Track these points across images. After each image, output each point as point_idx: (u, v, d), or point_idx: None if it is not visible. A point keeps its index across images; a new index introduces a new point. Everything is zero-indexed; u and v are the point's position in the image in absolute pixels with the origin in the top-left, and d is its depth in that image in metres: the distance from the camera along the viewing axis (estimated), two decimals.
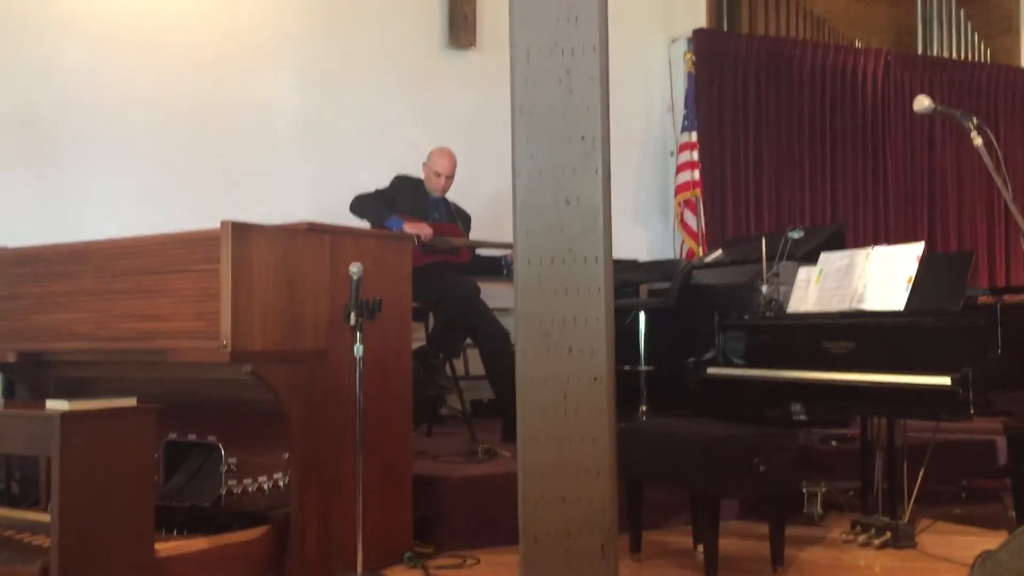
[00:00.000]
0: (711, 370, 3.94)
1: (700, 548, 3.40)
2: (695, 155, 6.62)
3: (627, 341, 4.87)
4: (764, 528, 3.37)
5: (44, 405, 2.67)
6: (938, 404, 3.05)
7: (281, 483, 3.17)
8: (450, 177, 4.94)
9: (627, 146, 6.59)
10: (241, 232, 2.92)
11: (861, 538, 3.56)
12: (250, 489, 3.22)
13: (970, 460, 4.45)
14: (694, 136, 6.65)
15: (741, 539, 3.72)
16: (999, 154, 2.98)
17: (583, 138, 1.96)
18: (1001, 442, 4.26)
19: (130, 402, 2.74)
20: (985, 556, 2.29)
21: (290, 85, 5.89)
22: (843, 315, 3.50)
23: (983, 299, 3.24)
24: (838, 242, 4.71)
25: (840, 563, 3.38)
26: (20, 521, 2.88)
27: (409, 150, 5.14)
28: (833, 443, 4.47)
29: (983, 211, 7.70)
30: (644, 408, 4.82)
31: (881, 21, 8.24)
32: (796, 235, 4.15)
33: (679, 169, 6.68)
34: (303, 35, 5.92)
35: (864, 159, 7.33)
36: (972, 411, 2.96)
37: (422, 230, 4.60)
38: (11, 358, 3.46)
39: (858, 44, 7.68)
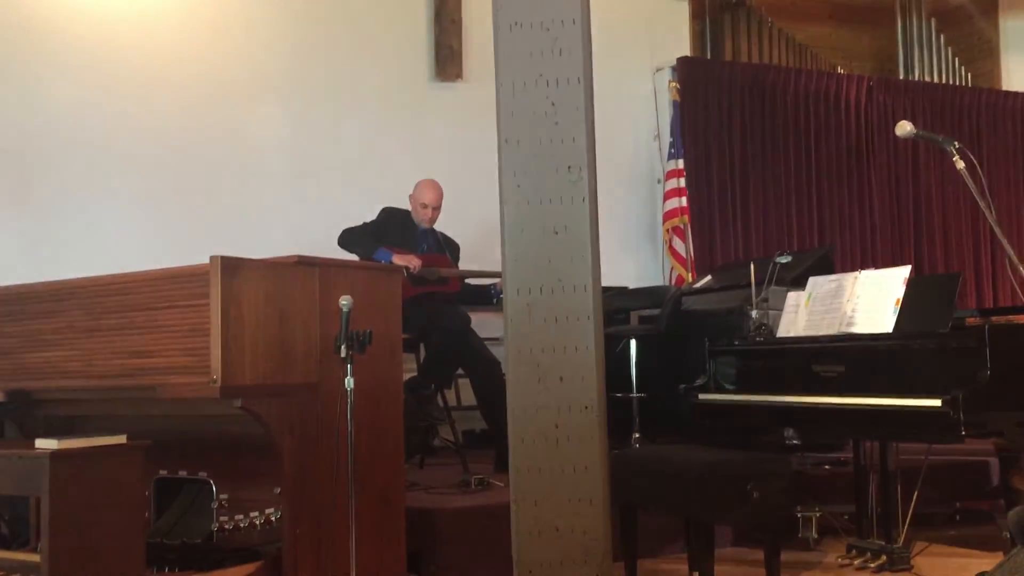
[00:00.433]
0: (702, 396, 3.94)
1: (696, 575, 3.38)
2: (682, 182, 6.66)
3: (618, 368, 4.86)
4: (759, 554, 3.35)
5: (33, 444, 2.66)
6: (929, 426, 3.05)
7: (273, 518, 3.15)
8: (437, 208, 4.95)
9: (614, 174, 6.62)
10: (230, 267, 2.91)
11: (857, 562, 3.55)
12: (242, 525, 3.19)
13: (963, 482, 4.45)
14: (681, 163, 6.69)
15: (736, 565, 3.70)
16: (982, 177, 3.01)
17: (569, 168, 1.98)
18: (994, 463, 4.26)
19: (120, 439, 2.72)
20: None
21: (277, 119, 5.91)
22: (833, 339, 3.51)
23: (971, 320, 3.26)
24: (826, 266, 4.73)
25: None
26: (10, 562, 2.85)
27: (397, 182, 5.15)
28: (826, 467, 4.46)
29: (969, 233, 7.75)
30: (637, 435, 4.81)
31: (863, 47, 8.34)
32: (784, 260, 4.16)
33: (666, 196, 6.71)
34: (290, 70, 5.95)
35: (849, 183, 7.39)
36: (963, 432, 2.97)
37: (411, 262, 4.60)
38: (0, 397, 3.44)
39: (840, 70, 7.77)
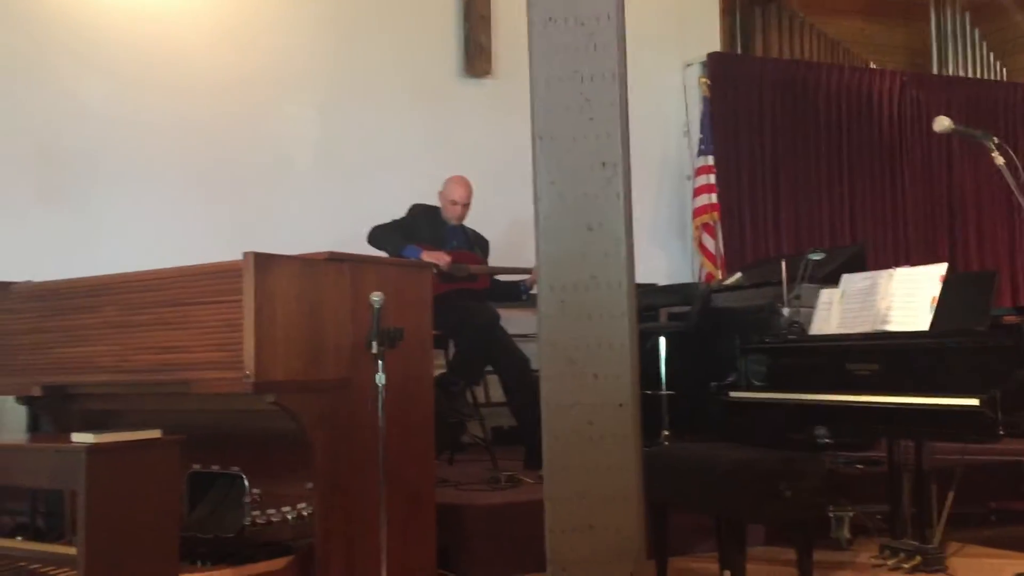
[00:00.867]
0: (734, 394, 3.91)
1: (727, 574, 3.36)
2: (712, 178, 6.62)
3: (648, 366, 4.83)
4: (791, 553, 3.33)
5: (69, 438, 2.68)
6: (966, 425, 3.01)
7: (305, 513, 3.16)
8: (466, 205, 4.95)
9: (643, 171, 6.54)
10: (263, 263, 2.93)
11: (891, 562, 3.51)
12: (274, 519, 3.21)
13: (999, 482, 4.38)
14: (711, 159, 6.65)
15: (768, 565, 3.68)
16: (1021, 172, 2.96)
17: (604, 164, 1.97)
18: None
19: (155, 434, 2.75)
20: None
21: (308, 116, 5.93)
22: (867, 337, 3.47)
23: (1008, 319, 3.21)
24: (859, 262, 4.68)
25: None
26: (46, 555, 2.88)
27: (426, 179, 5.16)
28: (859, 466, 4.42)
29: (1004, 229, 7.65)
30: (666, 433, 4.79)
31: (896, 42, 8.24)
32: (817, 256, 4.13)
33: (696, 192, 6.67)
34: (320, 67, 5.98)
35: (882, 179, 7.31)
36: (1001, 432, 2.93)
37: (440, 259, 4.61)
38: (36, 392, 3.48)
39: (873, 65, 7.68)
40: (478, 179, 5.15)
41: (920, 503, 3.52)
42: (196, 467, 3.39)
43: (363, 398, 3.11)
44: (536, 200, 2.00)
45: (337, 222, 5.56)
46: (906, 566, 3.47)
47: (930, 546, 3.49)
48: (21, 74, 5.32)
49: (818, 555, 3.36)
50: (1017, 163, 2.99)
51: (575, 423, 1.92)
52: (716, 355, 4.51)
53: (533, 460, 4.45)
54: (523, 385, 4.57)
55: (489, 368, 4.93)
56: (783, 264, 4.21)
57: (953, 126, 3.14)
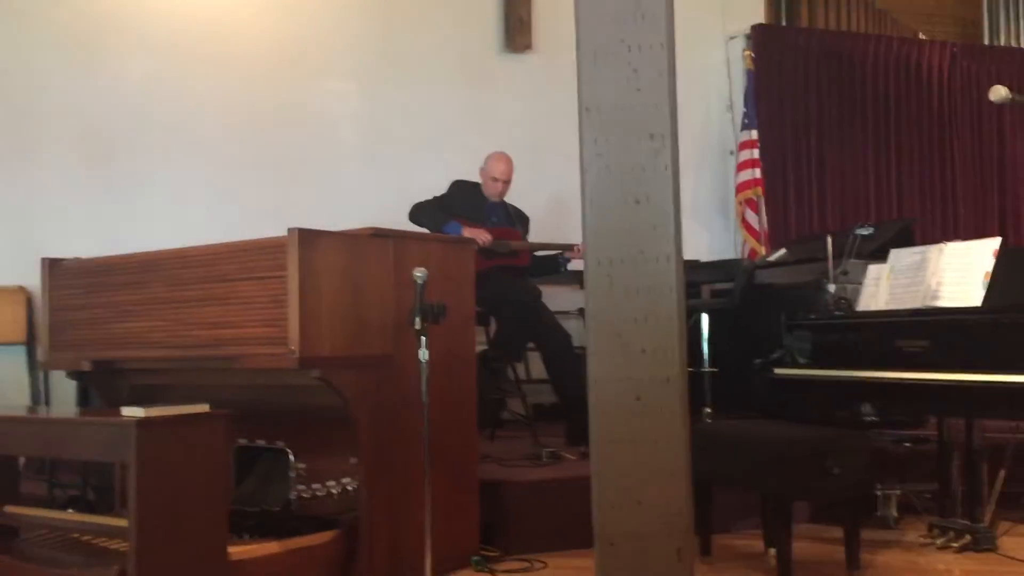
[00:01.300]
0: (779, 370, 3.87)
1: (771, 551, 3.34)
2: (755, 153, 6.53)
3: (690, 342, 4.79)
4: (837, 531, 3.30)
5: (119, 412, 2.72)
6: (1020, 403, 2.95)
7: (349, 488, 3.19)
8: (507, 182, 4.93)
9: (686, 145, 6.39)
10: (308, 239, 2.94)
11: (939, 541, 3.47)
12: (319, 494, 3.25)
13: None
14: (754, 134, 6.55)
15: (813, 542, 3.65)
16: None
17: (652, 136, 1.94)
18: None
19: (203, 408, 2.78)
20: None
21: (349, 93, 5.94)
22: (917, 312, 3.41)
23: None
24: (907, 238, 4.60)
25: (918, 566, 3.30)
26: (97, 526, 2.94)
27: (467, 155, 5.14)
28: (907, 444, 4.36)
29: None
30: (708, 410, 4.76)
31: (945, 11, 8.04)
32: (865, 231, 4.05)
33: (739, 168, 6.59)
34: (361, 43, 5.97)
35: (931, 153, 7.17)
36: None
37: (481, 236, 4.59)
38: (86, 367, 3.53)
39: (922, 36, 7.50)
40: (518, 155, 5.13)
41: (970, 482, 3.47)
42: (242, 441, 3.43)
43: (406, 374, 3.12)
44: (583, 173, 1.97)
45: (380, 198, 5.57)
46: (955, 545, 3.42)
47: (980, 525, 3.44)
48: (68, 53, 5.39)
49: (865, 533, 3.33)
50: None
51: (622, 398, 1.90)
52: (759, 332, 4.46)
53: (575, 436, 4.44)
54: (565, 361, 4.56)
55: (530, 345, 4.92)
56: (829, 240, 4.14)
57: (1011, 95, 3.05)
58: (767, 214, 6.54)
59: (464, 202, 4.86)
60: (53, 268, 3.67)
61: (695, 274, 5.56)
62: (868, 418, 4.47)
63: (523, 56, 6.29)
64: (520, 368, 5.10)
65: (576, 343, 4.71)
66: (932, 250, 3.53)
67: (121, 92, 5.46)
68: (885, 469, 3.95)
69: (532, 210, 5.22)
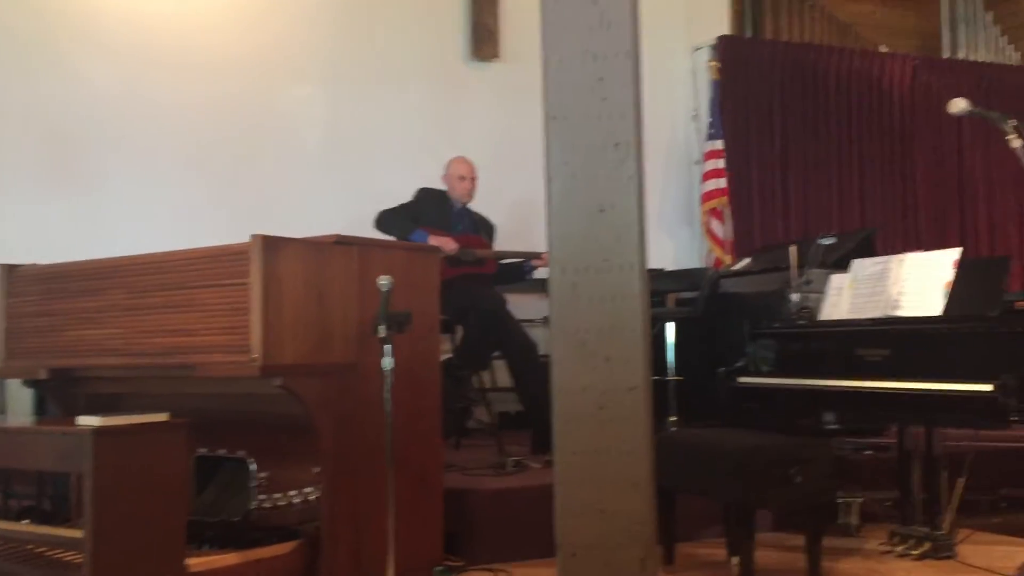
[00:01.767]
0: (742, 379, 3.89)
1: (734, 560, 3.34)
2: (721, 163, 6.58)
3: (655, 351, 4.79)
4: (799, 539, 3.32)
5: (75, 421, 2.67)
6: (978, 411, 2.99)
7: (311, 497, 3.15)
8: (473, 179, 4.94)
9: (651, 155, 6.44)
10: (271, 245, 2.91)
11: (899, 548, 3.50)
12: (280, 504, 3.21)
13: (1010, 468, 4.36)
14: (720, 144, 6.60)
15: (776, 551, 3.67)
16: None
17: (617, 145, 1.94)
18: None
19: (162, 417, 2.74)
20: None
21: (316, 99, 5.91)
22: (878, 322, 3.44)
23: (1020, 304, 3.18)
24: (869, 248, 4.65)
25: (878, 573, 3.33)
26: (53, 537, 2.87)
27: (434, 162, 5.13)
28: (868, 452, 4.40)
29: (1015, 215, 7.60)
30: (673, 419, 4.77)
31: (907, 25, 8.16)
32: (827, 241, 4.09)
33: (705, 177, 6.63)
34: (328, 49, 5.94)
35: (892, 164, 7.26)
36: (1013, 418, 2.90)
37: (447, 244, 4.58)
38: (42, 375, 3.47)
39: (884, 49, 7.61)
40: (485, 163, 5.13)
41: (930, 489, 3.50)
42: (203, 451, 3.38)
43: (370, 382, 3.09)
44: (547, 181, 1.97)
45: (344, 205, 5.54)
46: (915, 552, 3.45)
47: (940, 532, 3.47)
48: (29, 57, 5.31)
49: (827, 541, 3.35)
50: None
51: (586, 407, 1.90)
52: (724, 341, 4.49)
53: (540, 444, 4.44)
54: (531, 370, 4.55)
55: (496, 353, 4.91)
56: (792, 249, 4.18)
57: (969, 108, 3.09)
58: (732, 223, 6.58)
59: (430, 210, 4.84)
60: (9, 274, 3.60)
61: (660, 283, 5.59)
62: (831, 426, 4.51)
63: (490, 64, 6.30)
64: (486, 376, 5.08)
65: (542, 351, 4.71)
66: (893, 260, 3.57)
67: (82, 97, 5.38)
68: (847, 477, 3.98)
69: (498, 218, 5.22)
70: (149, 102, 5.50)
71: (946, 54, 7.94)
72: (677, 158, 6.92)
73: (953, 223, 7.41)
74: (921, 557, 3.43)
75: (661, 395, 4.78)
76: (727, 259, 6.35)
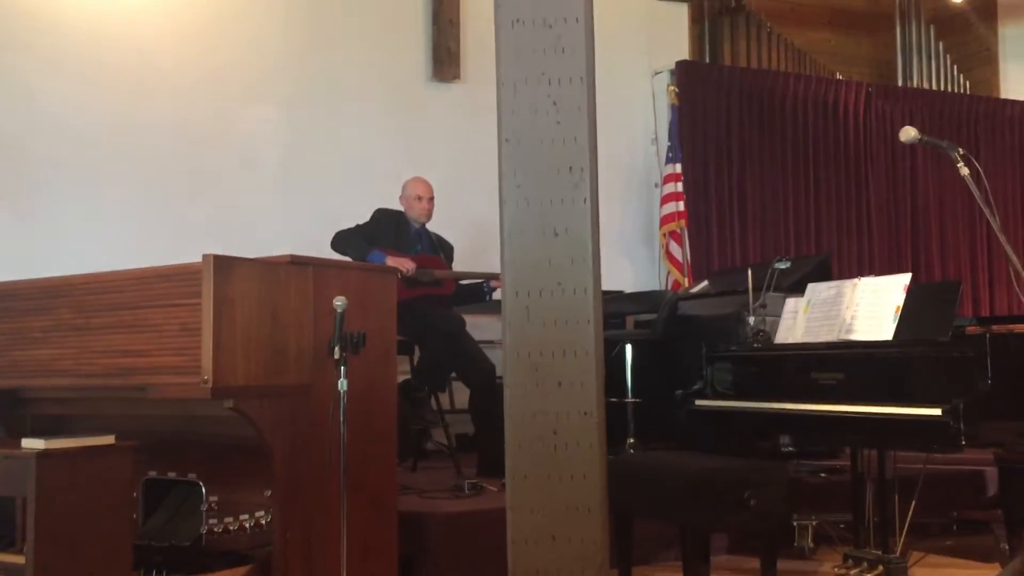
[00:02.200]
0: (699, 402, 3.90)
1: None
2: (679, 186, 6.63)
3: (613, 373, 4.82)
4: (755, 562, 3.32)
5: (20, 444, 2.61)
6: (929, 435, 3.02)
7: (263, 521, 3.10)
8: (431, 199, 4.92)
9: (611, 178, 6.58)
10: (223, 265, 2.87)
11: (853, 572, 3.51)
12: (231, 528, 3.15)
13: (961, 491, 4.42)
14: (678, 167, 6.66)
15: (732, 573, 3.67)
16: (985, 183, 2.98)
17: (571, 169, 1.94)
18: (991, 472, 4.23)
19: (108, 440, 2.68)
20: None
21: (274, 118, 5.86)
22: (831, 346, 3.47)
23: (971, 329, 3.22)
24: (825, 272, 4.69)
25: None
26: None
27: (394, 183, 5.11)
28: (823, 475, 4.43)
29: (966, 240, 7.74)
30: (632, 441, 4.77)
31: (861, 53, 8.32)
32: (783, 265, 4.13)
33: (664, 200, 6.68)
34: (287, 68, 5.91)
35: (847, 189, 7.37)
36: (963, 442, 2.93)
37: (404, 265, 4.56)
38: None
39: (839, 76, 7.74)
40: (445, 184, 5.12)
41: (883, 512, 3.53)
42: (152, 474, 3.32)
43: (324, 404, 3.05)
44: (501, 204, 1.97)
45: (302, 225, 5.50)
46: (869, 575, 3.47)
47: (892, 555, 3.49)
48: None
49: (781, 564, 3.36)
50: (981, 174, 3.01)
51: (539, 431, 1.89)
52: (682, 363, 4.50)
53: (488, 467, 4.43)
54: (488, 392, 4.53)
55: (454, 375, 4.89)
56: (749, 272, 4.21)
57: (919, 136, 3.15)
58: (690, 246, 6.63)
59: (387, 230, 4.82)
60: None
61: (619, 305, 5.61)
62: (787, 449, 4.54)
63: (451, 86, 6.31)
64: (444, 398, 5.06)
65: (500, 373, 4.69)
66: (847, 284, 3.61)
67: (37, 114, 5.29)
68: (802, 499, 4.00)
69: (457, 239, 5.21)
70: (102, 119, 5.42)
71: (900, 82, 8.10)
72: (637, 181, 6.97)
73: (906, 245, 7.53)
74: None
75: (619, 417, 4.78)
76: (685, 281, 6.39)
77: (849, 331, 3.46)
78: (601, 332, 1.95)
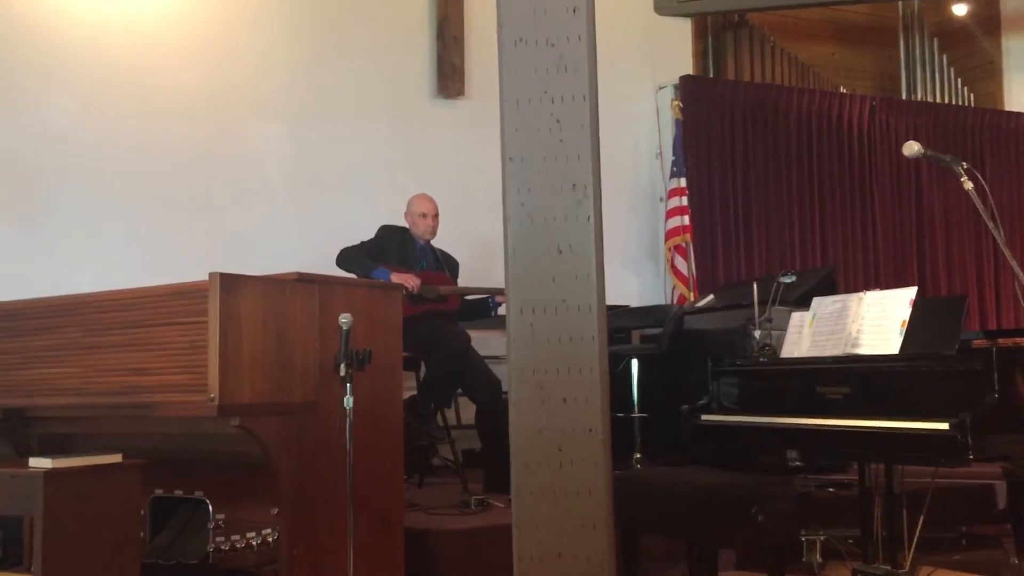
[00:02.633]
0: (705, 417, 3.89)
1: None
2: (684, 201, 6.64)
3: (620, 388, 4.81)
4: None
5: (27, 463, 2.62)
6: (936, 449, 3.01)
7: (270, 539, 3.10)
8: (435, 216, 4.93)
9: (616, 192, 6.61)
10: (230, 283, 2.89)
11: None
12: (238, 546, 3.15)
13: (969, 505, 4.40)
14: (683, 182, 6.67)
15: None
16: (989, 197, 2.98)
17: (574, 186, 1.95)
18: (1000, 486, 4.21)
19: (115, 458, 2.69)
20: None
21: (279, 135, 5.89)
22: (837, 360, 3.47)
23: (977, 343, 3.22)
24: (830, 285, 4.70)
25: None
26: None
27: (399, 199, 5.13)
28: (831, 490, 4.41)
29: (972, 253, 7.72)
30: (638, 456, 4.76)
31: (865, 67, 8.34)
32: (788, 279, 4.13)
33: (668, 215, 6.69)
34: (293, 84, 5.94)
35: (852, 203, 7.37)
36: (971, 456, 2.92)
37: (409, 281, 4.56)
38: None
39: (843, 90, 7.76)
40: (450, 200, 5.13)
41: (891, 527, 3.51)
42: (159, 492, 3.32)
43: (331, 421, 3.06)
44: (505, 222, 1.97)
45: (308, 243, 5.51)
46: None
47: (901, 571, 3.47)
48: None
49: None
50: (985, 188, 3.01)
51: (544, 448, 1.89)
52: (688, 377, 4.50)
53: (494, 483, 4.42)
54: (494, 408, 4.53)
55: (460, 391, 4.89)
56: (755, 286, 4.21)
57: (923, 151, 3.15)
58: (695, 260, 6.64)
59: (392, 247, 4.83)
60: None
61: (625, 319, 5.61)
62: (794, 463, 4.53)
63: (455, 102, 6.33)
64: (451, 414, 5.06)
65: (505, 388, 4.69)
66: (852, 298, 3.60)
67: (42, 132, 5.32)
68: (809, 514, 3.98)
69: (462, 254, 5.22)
70: (109, 139, 5.45)
71: (904, 95, 8.11)
72: (642, 195, 6.98)
73: (912, 260, 7.52)
74: None
75: (626, 432, 4.78)
76: (691, 296, 6.39)
77: (855, 345, 3.46)
78: (606, 348, 1.96)
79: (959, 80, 8.24)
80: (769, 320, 4.09)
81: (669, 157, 6.82)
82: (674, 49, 7.10)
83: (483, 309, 5.04)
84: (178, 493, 3.30)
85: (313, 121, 5.96)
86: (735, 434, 3.78)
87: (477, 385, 4.69)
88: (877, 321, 3.42)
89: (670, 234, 6.64)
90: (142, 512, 3.18)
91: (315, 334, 3.11)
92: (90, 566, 2.53)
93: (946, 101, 8.13)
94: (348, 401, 2.93)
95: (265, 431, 2.94)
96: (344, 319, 2.96)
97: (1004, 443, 3.03)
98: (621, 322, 5.47)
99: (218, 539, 3.17)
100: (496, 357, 5.19)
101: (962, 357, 3.10)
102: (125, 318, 3.12)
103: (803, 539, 3.85)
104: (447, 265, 5.03)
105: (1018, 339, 3.16)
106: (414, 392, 4.69)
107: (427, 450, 4.94)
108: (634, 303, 6.33)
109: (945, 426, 2.94)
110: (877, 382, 3.30)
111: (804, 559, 3.84)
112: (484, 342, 5.05)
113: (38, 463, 2.55)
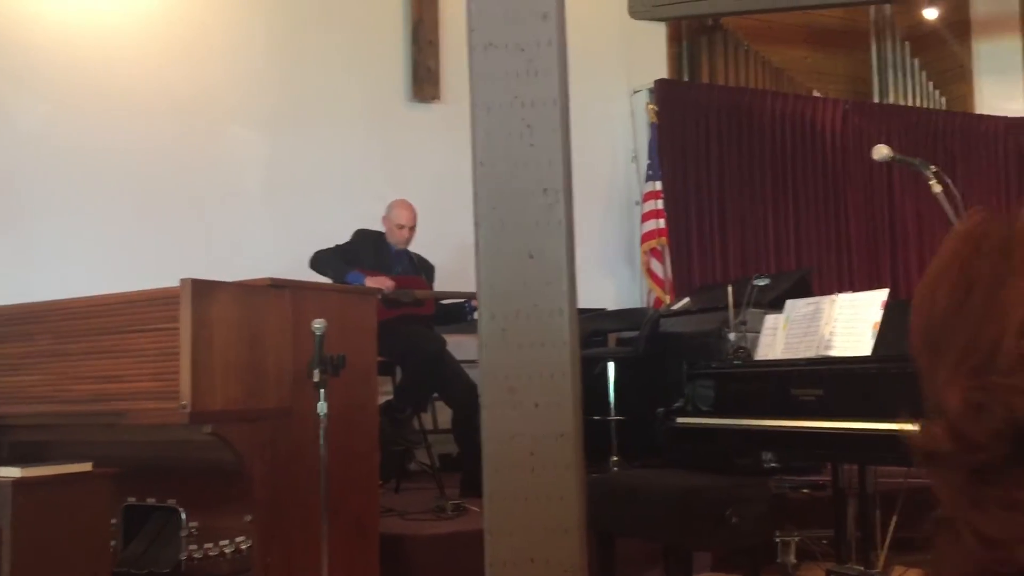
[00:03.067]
0: (680, 419, 3.90)
1: None
2: (660, 204, 6.66)
3: (596, 391, 4.83)
4: None
5: None
6: (908, 450, 3.03)
7: (243, 547, 3.08)
8: (412, 228, 4.92)
9: (592, 196, 6.61)
10: (201, 290, 2.87)
11: None
12: (211, 554, 3.12)
13: None
14: (658, 185, 6.69)
15: None
16: (958, 200, 3.01)
17: (545, 191, 1.95)
18: None
19: (85, 467, 2.66)
20: None
21: (254, 139, 5.86)
22: (811, 362, 3.49)
23: None
24: (804, 288, 4.73)
25: None
26: None
27: (374, 203, 5.11)
28: (805, 491, 4.44)
29: None
30: (615, 459, 4.77)
31: (838, 71, 8.40)
32: (762, 282, 4.16)
33: (644, 218, 6.71)
34: (267, 88, 5.91)
35: (826, 205, 7.42)
36: None
37: (383, 284, 4.55)
38: None
39: (816, 93, 7.82)
40: (425, 204, 5.12)
41: (865, 527, 3.53)
42: (131, 500, 3.29)
43: (304, 427, 3.05)
44: (476, 227, 1.97)
45: (285, 247, 5.49)
46: None
47: (875, 571, 3.50)
48: None
49: None
50: (954, 191, 3.04)
51: (516, 453, 1.89)
52: (664, 380, 4.51)
53: (470, 487, 4.42)
54: (470, 412, 4.51)
55: (436, 395, 4.88)
56: (730, 289, 4.24)
57: (892, 154, 3.18)
58: (671, 263, 6.66)
59: (367, 251, 4.82)
60: None
61: (601, 323, 5.62)
62: (769, 465, 4.55)
63: (430, 106, 6.32)
64: (427, 418, 5.05)
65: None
66: (825, 301, 3.63)
67: (12, 136, 5.27)
68: (784, 516, 4.00)
69: (438, 259, 5.21)
70: (80, 143, 5.40)
71: (876, 98, 8.18)
72: (617, 199, 7.00)
73: (884, 260, 7.58)
74: None
75: (602, 435, 4.79)
76: (667, 298, 6.41)
77: (828, 347, 3.48)
78: (577, 353, 1.96)
79: (931, 84, 8.33)
80: (744, 323, 4.12)
81: (644, 161, 6.84)
82: (649, 53, 7.12)
83: (459, 313, 5.03)
84: (151, 501, 3.27)
85: (288, 125, 5.93)
86: (711, 436, 3.79)
87: (453, 389, 4.68)
88: (850, 323, 3.45)
89: (646, 237, 6.66)
90: (114, 521, 3.15)
91: (288, 340, 3.10)
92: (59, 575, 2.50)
93: (918, 104, 8.20)
94: (322, 407, 2.92)
95: (238, 438, 2.92)
96: (317, 324, 2.95)
97: None
98: (597, 325, 5.48)
99: (191, 547, 3.15)
100: (472, 361, 5.16)
101: None
102: (96, 325, 3.09)
103: (778, 540, 3.87)
104: (423, 269, 5.03)
105: None
106: (390, 396, 4.68)
107: (403, 455, 4.93)
108: (610, 306, 6.34)
109: (917, 427, 2.97)
110: (849, 384, 3.32)
111: (779, 560, 3.86)
112: (460, 346, 5.04)
113: (7, 472, 2.52)
